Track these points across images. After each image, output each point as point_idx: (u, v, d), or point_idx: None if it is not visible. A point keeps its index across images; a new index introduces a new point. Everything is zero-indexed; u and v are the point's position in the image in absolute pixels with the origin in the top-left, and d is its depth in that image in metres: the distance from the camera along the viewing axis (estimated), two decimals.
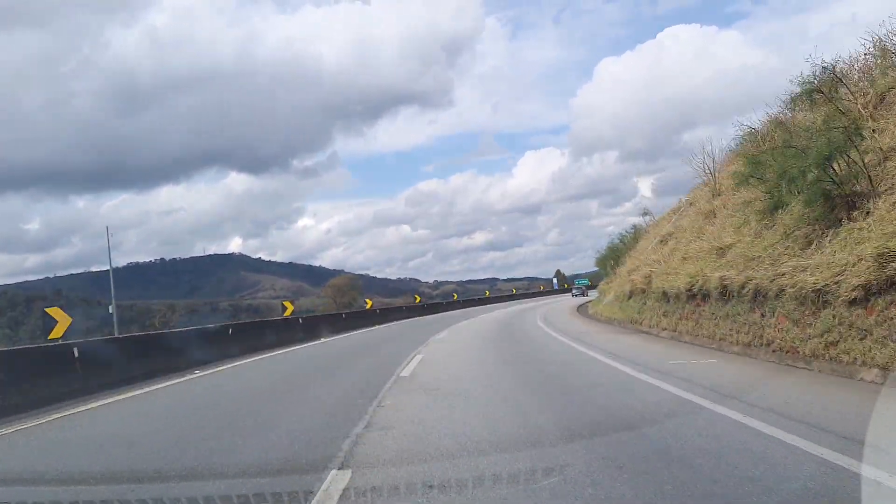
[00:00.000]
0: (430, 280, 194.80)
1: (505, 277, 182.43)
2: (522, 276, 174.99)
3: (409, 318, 34.79)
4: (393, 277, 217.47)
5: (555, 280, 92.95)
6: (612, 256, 30.39)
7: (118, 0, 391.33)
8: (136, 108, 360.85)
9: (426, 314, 39.50)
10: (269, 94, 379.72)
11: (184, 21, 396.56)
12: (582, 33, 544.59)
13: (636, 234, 29.28)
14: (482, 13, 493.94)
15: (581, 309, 30.92)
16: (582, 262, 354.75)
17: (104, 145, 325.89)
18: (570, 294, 63.77)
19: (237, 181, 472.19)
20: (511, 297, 69.84)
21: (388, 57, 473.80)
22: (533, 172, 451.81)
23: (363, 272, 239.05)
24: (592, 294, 46.22)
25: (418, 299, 43.34)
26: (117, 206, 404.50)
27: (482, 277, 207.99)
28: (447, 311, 44.68)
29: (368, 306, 29.12)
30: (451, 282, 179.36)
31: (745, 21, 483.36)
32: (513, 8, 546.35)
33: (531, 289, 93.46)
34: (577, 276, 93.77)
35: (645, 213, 28.80)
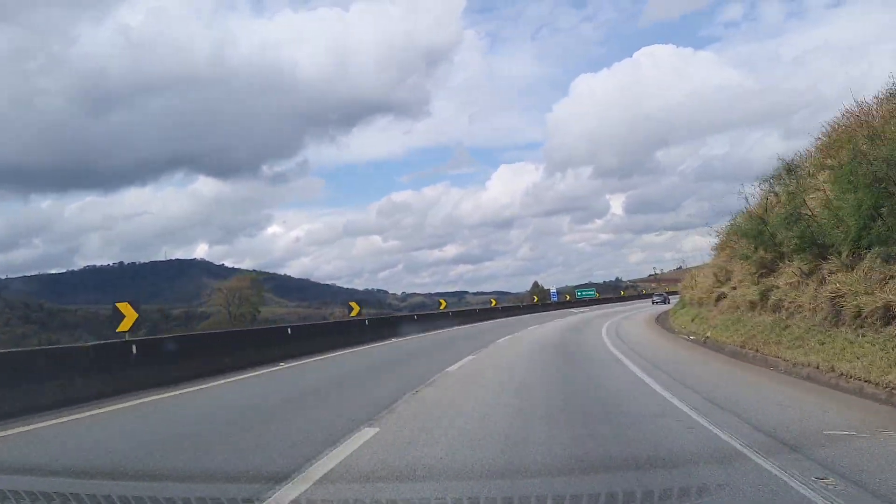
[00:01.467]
0: (399, 292, 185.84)
1: (474, 290, 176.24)
2: (492, 290, 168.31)
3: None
4: (360, 288, 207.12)
5: (554, 291, 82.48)
6: None
7: None
8: (104, 109, 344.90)
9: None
10: (241, 98, 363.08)
11: (157, 21, 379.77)
12: (559, 50, 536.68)
13: None
14: (461, 26, 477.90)
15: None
16: (554, 278, 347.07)
17: (70, 145, 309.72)
18: (587, 308, 56.25)
19: (205, 185, 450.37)
20: (492, 313, 44.25)
21: (365, 65, 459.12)
22: (506, 186, 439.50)
23: (331, 282, 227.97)
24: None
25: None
26: (82, 207, 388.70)
27: (452, 290, 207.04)
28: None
29: None
30: (420, 294, 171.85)
31: (719, 44, 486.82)
32: (491, 22, 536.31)
33: (501, 301, 69.09)
34: (558, 288, 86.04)
35: None
